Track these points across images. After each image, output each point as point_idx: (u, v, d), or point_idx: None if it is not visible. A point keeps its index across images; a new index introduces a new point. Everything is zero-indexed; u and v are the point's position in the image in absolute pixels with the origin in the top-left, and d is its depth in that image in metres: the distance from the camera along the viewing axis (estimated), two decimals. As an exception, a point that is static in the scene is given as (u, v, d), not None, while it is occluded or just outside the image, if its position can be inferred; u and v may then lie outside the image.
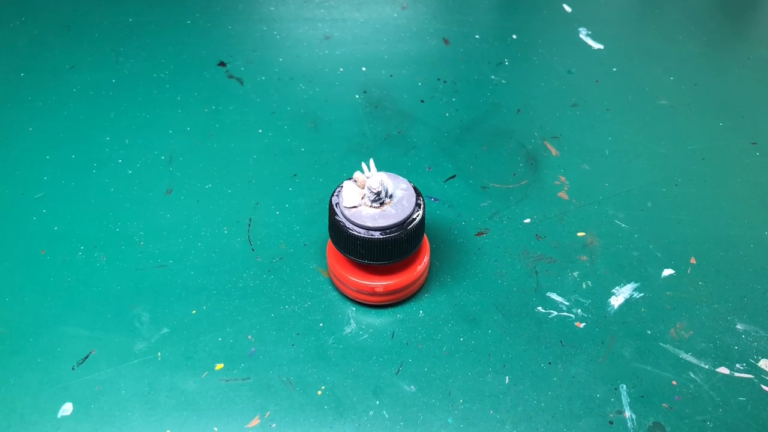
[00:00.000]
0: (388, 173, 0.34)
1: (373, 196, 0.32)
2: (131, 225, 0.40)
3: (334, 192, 0.34)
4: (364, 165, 0.33)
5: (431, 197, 0.43)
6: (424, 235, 0.36)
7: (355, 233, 0.32)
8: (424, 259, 0.36)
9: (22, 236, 0.40)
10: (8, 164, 0.44)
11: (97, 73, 0.51)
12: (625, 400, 0.33)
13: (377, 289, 0.35)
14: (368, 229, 0.32)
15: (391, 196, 0.33)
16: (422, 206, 0.34)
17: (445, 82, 0.51)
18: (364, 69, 0.52)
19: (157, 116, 0.48)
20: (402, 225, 0.33)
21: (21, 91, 0.49)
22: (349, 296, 0.36)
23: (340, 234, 0.33)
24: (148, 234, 0.40)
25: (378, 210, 0.33)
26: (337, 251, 0.35)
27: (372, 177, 0.32)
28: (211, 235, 0.40)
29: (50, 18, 0.56)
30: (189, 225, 0.40)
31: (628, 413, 0.32)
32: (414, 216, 0.33)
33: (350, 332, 0.35)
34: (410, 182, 0.34)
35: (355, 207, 0.33)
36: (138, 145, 0.46)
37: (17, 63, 0.52)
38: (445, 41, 0.55)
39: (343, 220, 0.32)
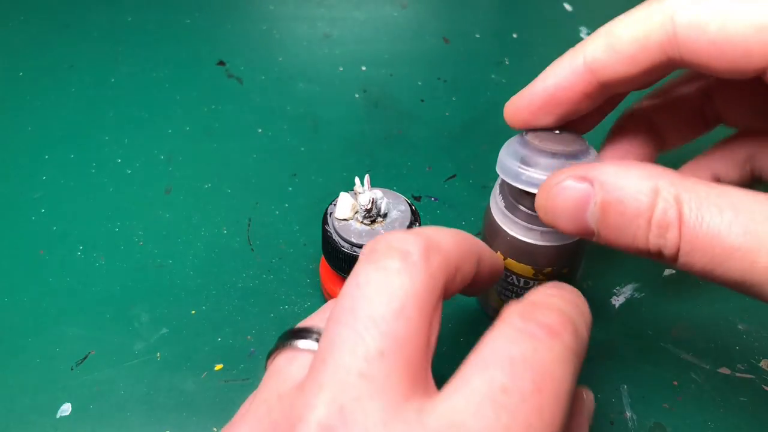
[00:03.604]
0: (389, 191, 0.34)
1: (364, 212, 0.32)
2: (130, 225, 0.40)
3: (333, 201, 0.33)
4: (357, 180, 0.33)
5: (431, 197, 0.43)
6: None
7: (340, 246, 0.32)
8: None
9: (21, 236, 0.40)
10: (7, 164, 0.44)
11: (96, 72, 0.51)
12: (626, 400, 0.33)
13: None
14: (352, 244, 0.32)
15: (384, 216, 0.33)
16: None
17: (445, 81, 0.51)
18: (363, 68, 0.52)
19: (156, 116, 0.48)
20: None
21: (19, 91, 0.49)
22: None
23: (327, 244, 0.33)
24: (147, 234, 0.40)
25: (368, 227, 0.32)
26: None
27: (363, 193, 0.32)
28: (211, 235, 0.40)
29: (49, 17, 0.56)
30: (188, 225, 0.40)
31: (629, 414, 0.32)
32: None
33: (350, 332, 0.35)
34: (411, 204, 0.34)
35: (346, 220, 0.32)
36: (137, 145, 0.45)
37: (15, 62, 0.51)
38: (446, 40, 0.55)
39: (332, 231, 0.32)
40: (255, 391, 0.22)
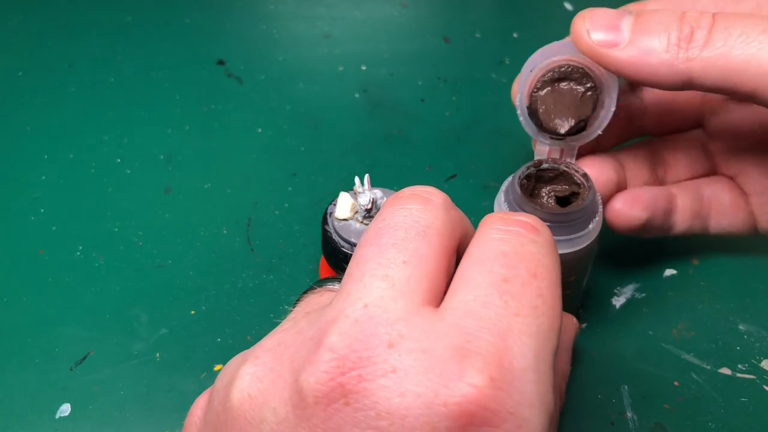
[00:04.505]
0: (389, 191, 0.33)
1: (364, 212, 0.32)
2: (130, 225, 0.40)
3: (333, 201, 0.33)
4: (357, 180, 0.33)
5: (431, 197, 0.42)
6: None
7: (340, 246, 0.32)
8: None
9: (20, 236, 0.39)
10: (6, 164, 0.44)
11: (96, 71, 0.51)
12: (626, 400, 0.33)
13: None
14: (352, 244, 0.32)
15: None
16: None
17: (445, 80, 0.51)
18: (363, 68, 0.52)
19: (155, 115, 0.48)
20: None
21: (19, 91, 0.49)
22: None
23: (327, 244, 0.33)
24: (146, 234, 0.40)
25: (368, 227, 0.32)
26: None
27: (363, 193, 0.32)
28: (210, 235, 0.40)
29: (48, 16, 0.56)
30: (187, 225, 0.40)
31: (629, 414, 0.32)
32: None
33: (350, 333, 0.35)
34: None
35: (345, 220, 0.32)
36: (136, 145, 0.45)
37: (15, 62, 0.51)
38: (446, 39, 0.55)
39: (332, 231, 0.32)
40: None
